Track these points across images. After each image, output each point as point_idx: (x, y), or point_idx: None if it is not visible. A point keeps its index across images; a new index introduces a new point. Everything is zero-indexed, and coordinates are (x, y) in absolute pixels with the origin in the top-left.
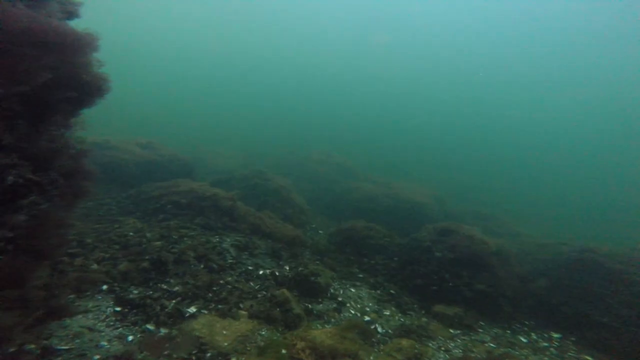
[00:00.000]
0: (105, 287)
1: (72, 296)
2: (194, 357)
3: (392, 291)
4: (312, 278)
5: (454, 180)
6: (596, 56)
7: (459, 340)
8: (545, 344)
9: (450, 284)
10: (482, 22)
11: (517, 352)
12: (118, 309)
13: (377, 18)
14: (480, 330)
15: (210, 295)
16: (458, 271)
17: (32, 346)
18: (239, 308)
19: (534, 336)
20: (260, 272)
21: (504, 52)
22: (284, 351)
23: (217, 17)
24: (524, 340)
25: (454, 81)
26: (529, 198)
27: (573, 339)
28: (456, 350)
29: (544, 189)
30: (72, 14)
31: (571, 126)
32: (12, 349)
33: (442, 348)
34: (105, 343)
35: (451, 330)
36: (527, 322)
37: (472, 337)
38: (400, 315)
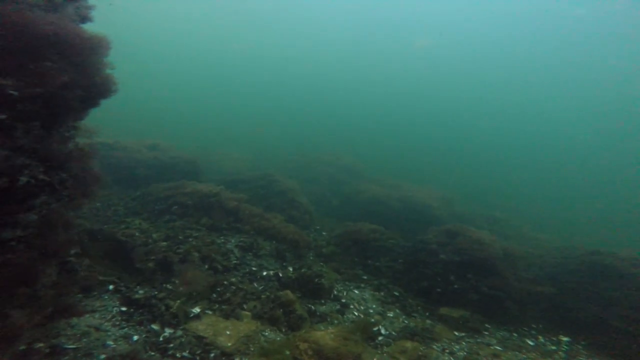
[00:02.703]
0: (111, 287)
1: (79, 295)
2: (198, 357)
3: (396, 293)
4: (316, 279)
5: (464, 183)
6: (604, 55)
7: (464, 343)
8: (554, 347)
9: (456, 287)
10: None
11: (525, 356)
12: (124, 308)
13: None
14: (486, 333)
15: (214, 295)
16: (464, 274)
17: (41, 345)
18: (243, 309)
19: (541, 339)
20: (264, 273)
21: (520, 51)
22: (287, 352)
23: (226, 18)
24: (531, 343)
25: (468, 82)
26: (539, 201)
27: (583, 342)
28: (461, 353)
29: (554, 191)
30: (85, 18)
31: (583, 127)
32: (22, 347)
33: (447, 350)
34: (112, 342)
35: (456, 333)
36: (534, 325)
37: (478, 340)
38: (404, 317)
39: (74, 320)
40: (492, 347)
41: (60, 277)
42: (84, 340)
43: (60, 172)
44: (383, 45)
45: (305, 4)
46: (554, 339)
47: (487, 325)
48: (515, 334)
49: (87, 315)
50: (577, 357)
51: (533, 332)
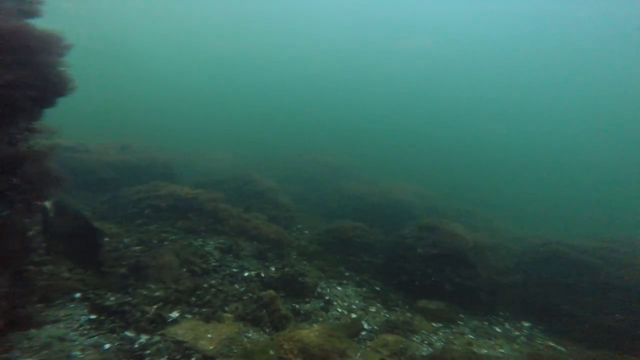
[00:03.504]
0: (78, 294)
1: (39, 305)
2: None
3: (377, 288)
4: (299, 278)
5: (443, 179)
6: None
7: (441, 334)
8: (517, 333)
9: (433, 279)
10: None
11: (493, 342)
12: (93, 316)
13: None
14: (461, 322)
15: (193, 299)
16: (440, 266)
17: None
18: (224, 311)
19: (507, 326)
20: (246, 274)
21: (503, 50)
22: (271, 352)
23: (218, 18)
24: (498, 330)
25: (453, 80)
26: (515, 195)
27: (541, 327)
28: (438, 344)
29: (532, 186)
30: (31, 14)
31: (563, 125)
32: None
33: (426, 342)
34: (79, 353)
35: (434, 324)
36: (502, 313)
37: (454, 330)
38: (385, 311)
39: (32, 332)
40: (466, 336)
41: (15, 287)
42: (44, 352)
43: (10, 177)
44: (382, 45)
45: (302, 4)
46: (518, 325)
47: (461, 315)
48: (485, 322)
49: (49, 326)
50: (535, 340)
51: (501, 319)
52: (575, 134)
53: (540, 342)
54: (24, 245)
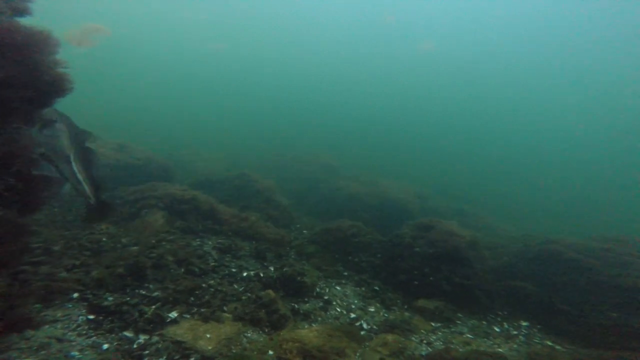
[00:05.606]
0: (76, 295)
1: (37, 306)
2: None
3: (376, 288)
4: (298, 278)
5: (439, 178)
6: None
7: (439, 333)
8: (515, 332)
9: (431, 278)
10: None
11: (491, 341)
12: (91, 317)
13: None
14: (459, 322)
15: (192, 299)
16: (438, 265)
17: None
18: (223, 311)
19: (506, 325)
20: (244, 274)
21: (501, 50)
22: (270, 352)
23: (211, 18)
24: (497, 329)
25: (447, 81)
26: (512, 194)
27: (539, 326)
28: (437, 343)
29: (528, 186)
30: (21, 12)
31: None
32: None
33: (424, 341)
34: (77, 353)
35: (432, 324)
36: (500, 313)
37: (452, 329)
38: (384, 311)
39: (29, 332)
40: (464, 336)
41: (12, 288)
42: (42, 352)
43: (6, 177)
44: (374, 48)
45: (300, 5)
46: (516, 324)
47: (459, 314)
48: (484, 322)
49: (47, 326)
50: (533, 339)
51: (499, 319)
52: (572, 134)
53: (538, 341)
54: (21, 245)
